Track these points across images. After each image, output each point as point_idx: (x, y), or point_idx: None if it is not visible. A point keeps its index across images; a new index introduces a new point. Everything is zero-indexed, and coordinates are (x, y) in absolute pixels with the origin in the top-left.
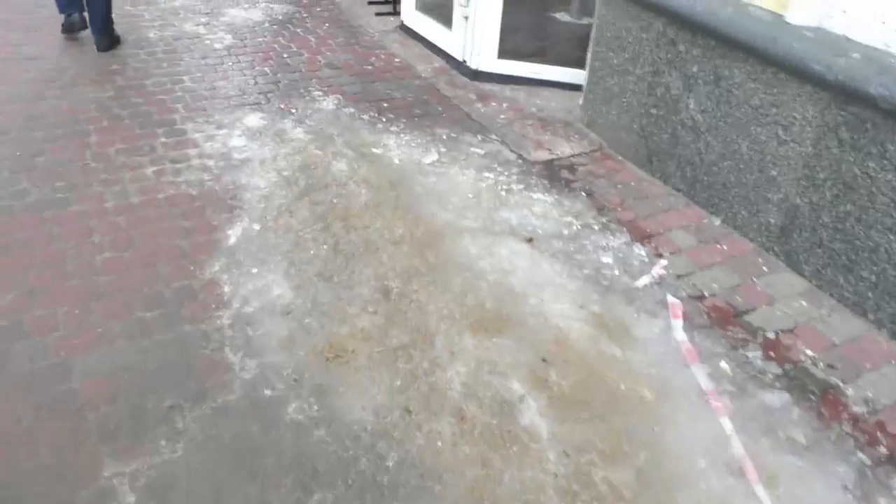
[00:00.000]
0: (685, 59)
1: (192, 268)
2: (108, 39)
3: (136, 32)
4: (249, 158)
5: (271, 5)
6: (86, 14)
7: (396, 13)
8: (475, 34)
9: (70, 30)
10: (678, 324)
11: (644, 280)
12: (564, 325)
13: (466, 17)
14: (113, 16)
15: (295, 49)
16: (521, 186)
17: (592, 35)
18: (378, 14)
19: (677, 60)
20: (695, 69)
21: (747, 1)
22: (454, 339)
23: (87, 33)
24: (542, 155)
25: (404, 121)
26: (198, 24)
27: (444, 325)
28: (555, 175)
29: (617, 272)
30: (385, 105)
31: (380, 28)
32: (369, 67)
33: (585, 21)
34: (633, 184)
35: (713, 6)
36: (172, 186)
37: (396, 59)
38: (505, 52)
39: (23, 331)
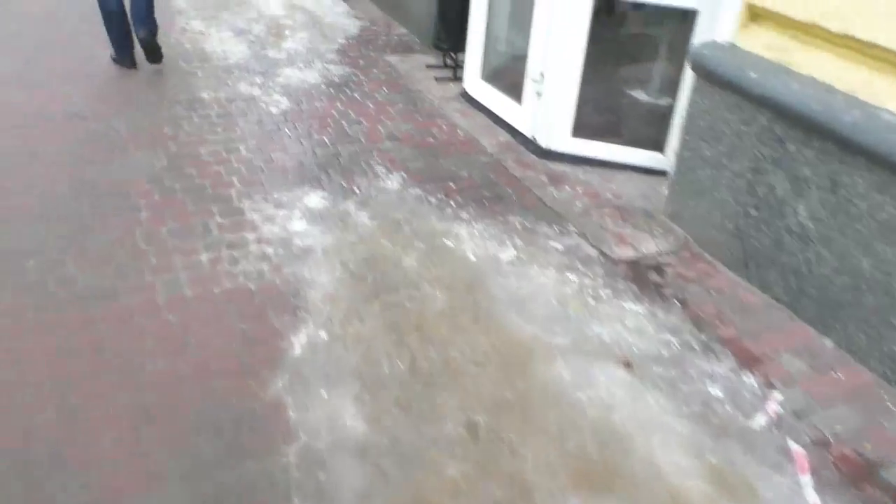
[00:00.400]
0: (795, 159)
1: (252, 384)
2: (154, 49)
3: (190, 92)
4: (312, 247)
5: (328, 66)
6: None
7: (457, 79)
8: (547, 111)
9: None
10: (807, 481)
11: (760, 419)
12: (679, 483)
13: (539, 93)
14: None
15: (354, 116)
16: (609, 292)
17: (681, 121)
18: (438, 79)
19: (785, 160)
20: (807, 172)
21: (878, 104)
22: (556, 496)
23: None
24: (626, 252)
25: (474, 205)
26: (253, 85)
27: (542, 476)
28: (642, 278)
29: (729, 408)
30: (452, 186)
31: (440, 94)
32: (432, 140)
33: (664, 101)
34: (728, 291)
35: (835, 107)
36: (229, 278)
37: (459, 131)
38: (578, 131)
39: (63, 460)
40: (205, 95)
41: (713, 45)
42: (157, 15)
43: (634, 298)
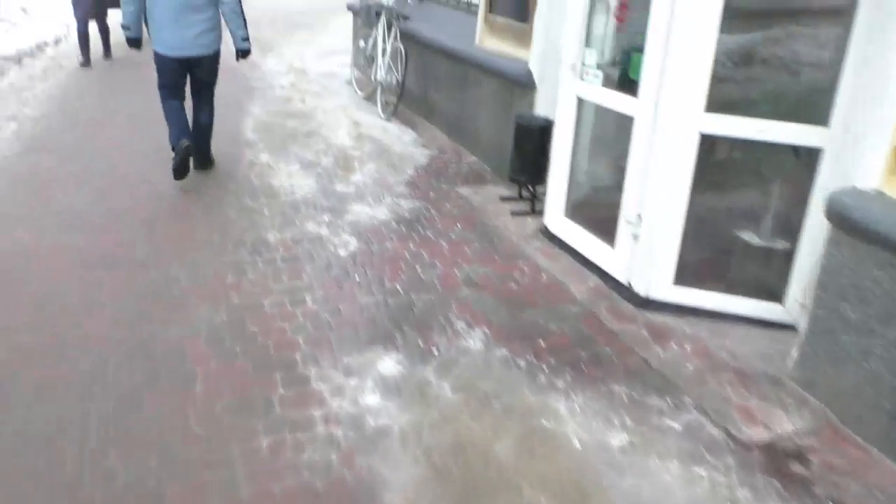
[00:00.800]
0: None
1: None
2: (206, 160)
3: (255, 232)
4: (387, 429)
5: (398, 200)
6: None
7: (535, 212)
8: (646, 255)
9: (184, 165)
10: None
11: None
12: None
13: (636, 236)
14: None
15: (427, 258)
16: (748, 494)
17: (813, 274)
18: (514, 213)
19: None
20: None
21: None
22: None
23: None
24: (758, 433)
25: (570, 370)
26: (320, 224)
27: None
28: (783, 469)
29: None
30: (542, 344)
31: (518, 231)
32: (514, 286)
33: (780, 246)
34: (894, 490)
35: None
36: (292, 472)
37: (543, 275)
38: (681, 278)
39: None
40: (270, 237)
41: (855, 192)
42: (228, 146)
43: (780, 501)
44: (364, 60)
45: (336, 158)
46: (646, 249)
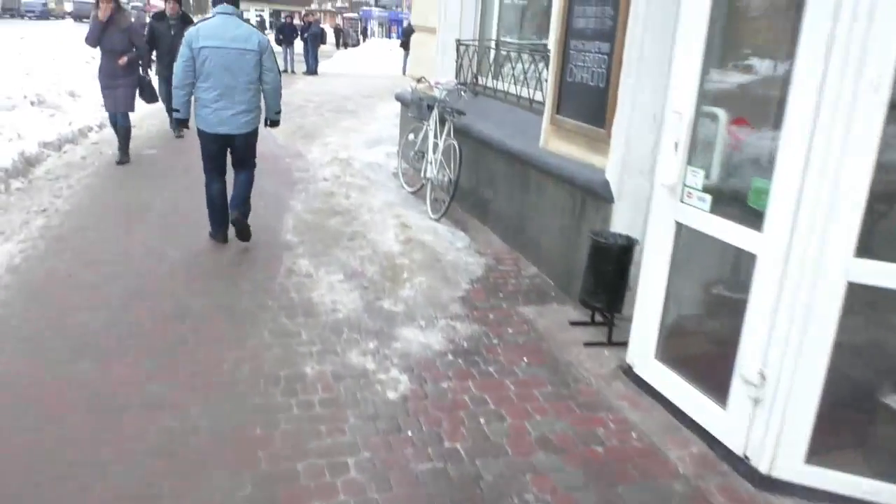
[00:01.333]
0: None
1: None
2: (245, 230)
3: (291, 363)
4: None
5: (453, 323)
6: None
7: (613, 343)
8: (770, 425)
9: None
10: None
11: None
12: None
13: (757, 400)
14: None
15: (492, 404)
16: None
17: None
18: (588, 344)
19: None
20: None
21: None
22: None
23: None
24: None
25: None
26: (365, 354)
27: None
28: None
29: None
30: None
31: (596, 369)
32: (599, 449)
33: None
34: None
35: None
36: None
37: (634, 434)
38: (816, 454)
39: None
40: (308, 370)
41: None
42: (265, 250)
43: None
44: (413, 155)
45: (383, 267)
46: (770, 417)
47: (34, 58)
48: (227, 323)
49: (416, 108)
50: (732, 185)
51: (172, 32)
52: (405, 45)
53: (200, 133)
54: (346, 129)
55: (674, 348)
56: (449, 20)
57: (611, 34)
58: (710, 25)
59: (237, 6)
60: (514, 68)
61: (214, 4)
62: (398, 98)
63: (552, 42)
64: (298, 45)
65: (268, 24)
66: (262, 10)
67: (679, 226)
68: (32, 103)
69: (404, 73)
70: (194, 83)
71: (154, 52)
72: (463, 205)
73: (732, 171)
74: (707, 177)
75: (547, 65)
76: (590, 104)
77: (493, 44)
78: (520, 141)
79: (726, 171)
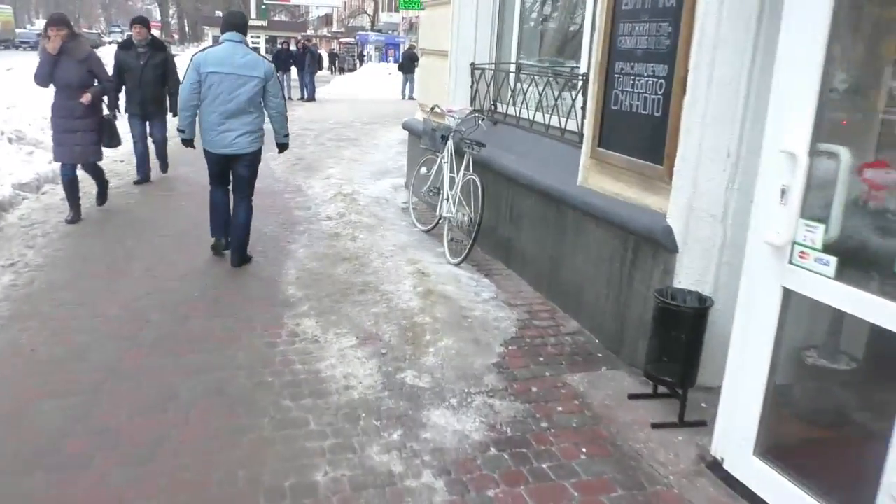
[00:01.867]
0: None
1: None
2: (242, 258)
3: (297, 467)
4: None
5: (491, 402)
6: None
7: (685, 424)
8: None
9: (217, 250)
10: None
11: None
12: None
13: None
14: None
15: None
16: None
17: None
18: (656, 426)
19: None
20: None
21: None
22: None
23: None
24: None
25: None
26: (389, 450)
27: None
28: None
29: None
30: None
31: (670, 460)
32: None
33: None
34: None
35: None
36: None
37: None
38: None
39: None
40: (318, 477)
41: None
42: (264, 308)
43: None
44: (427, 190)
45: (401, 327)
46: None
47: (19, 90)
48: (218, 410)
49: (428, 138)
50: (867, 245)
51: (142, 62)
52: (403, 69)
53: (207, 153)
54: (348, 160)
55: (778, 440)
56: (462, 43)
57: (669, 54)
58: (833, 30)
59: (245, 34)
60: (540, 94)
61: (223, 32)
62: (406, 127)
63: (592, 65)
64: (295, 70)
65: (263, 51)
66: (258, 37)
67: (787, 292)
68: (10, 140)
69: (403, 97)
70: (198, 105)
71: (123, 88)
72: (484, 245)
73: (866, 228)
74: (827, 232)
75: (577, 90)
76: (642, 136)
77: (512, 67)
78: (552, 176)
79: (857, 227)
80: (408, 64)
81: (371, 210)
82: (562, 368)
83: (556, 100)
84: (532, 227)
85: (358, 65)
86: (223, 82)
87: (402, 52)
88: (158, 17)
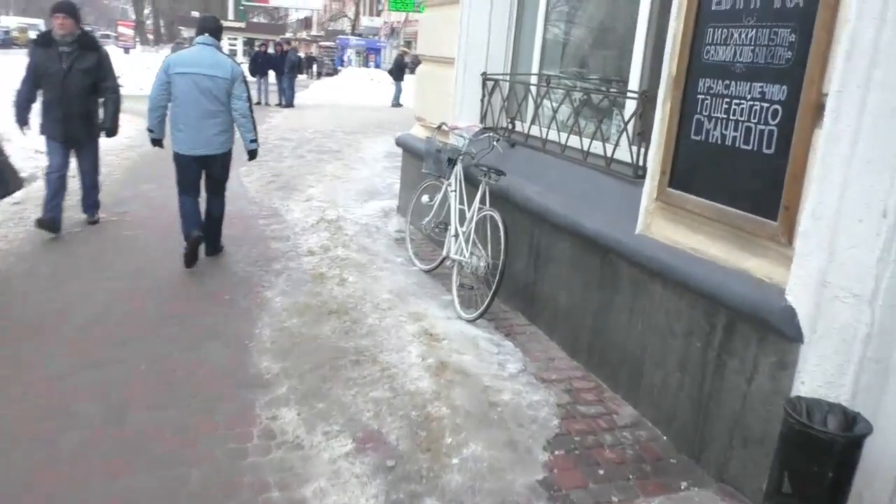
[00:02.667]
0: None
1: None
2: (216, 249)
3: None
4: None
5: None
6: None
7: None
8: None
9: (193, 254)
10: None
11: None
12: None
13: None
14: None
15: None
16: None
17: None
18: None
19: None
20: None
21: None
22: None
23: None
24: None
25: None
26: None
27: None
28: None
29: None
30: None
31: None
32: None
33: None
34: None
35: None
36: None
37: None
38: None
39: None
40: None
41: None
42: (231, 389)
43: None
44: (429, 224)
45: (411, 423)
46: None
47: None
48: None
49: (432, 161)
50: None
51: (65, 66)
52: (393, 75)
53: (176, 156)
54: (331, 176)
55: None
56: (471, 49)
57: (790, 71)
58: None
59: (218, 38)
60: (577, 113)
61: (197, 35)
62: (400, 144)
63: (663, 82)
64: (273, 74)
65: (240, 54)
66: (235, 39)
67: None
68: None
69: (394, 104)
70: (166, 106)
71: (39, 95)
72: (501, 290)
73: None
74: None
75: (631, 112)
76: (742, 178)
77: (533, 79)
78: (595, 217)
79: None
80: (397, 71)
81: (360, 242)
82: (632, 489)
83: (599, 122)
84: (565, 276)
85: (338, 69)
86: (191, 83)
87: (395, 58)
88: (133, 17)
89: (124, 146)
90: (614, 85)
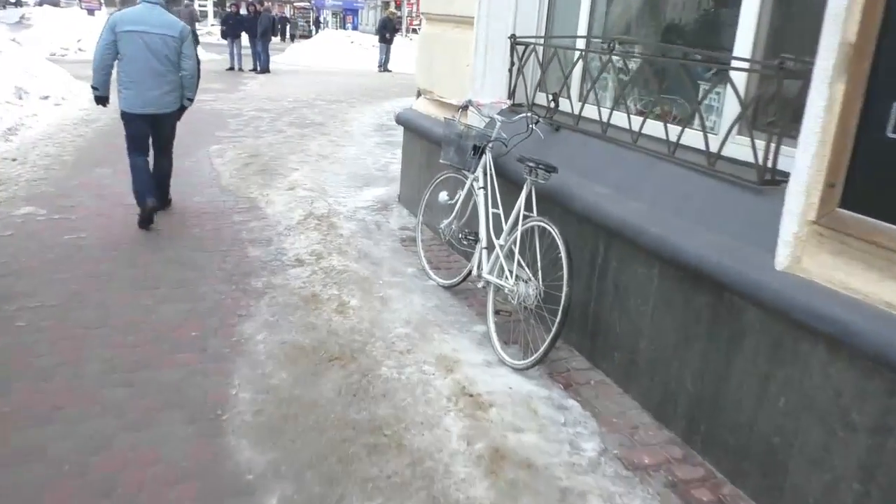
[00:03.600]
0: None
1: None
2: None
3: None
4: None
5: None
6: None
7: None
8: None
9: (148, 218)
10: None
11: None
12: None
13: None
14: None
15: None
16: None
17: None
18: None
19: None
20: None
21: None
22: None
23: None
24: None
25: None
26: None
27: None
28: None
29: None
30: None
31: None
32: None
33: None
34: None
35: None
36: None
37: None
38: None
39: None
40: None
41: None
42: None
43: None
44: (447, 228)
45: None
46: None
47: None
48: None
49: (453, 150)
50: None
51: None
52: (381, 38)
53: (125, 115)
54: (316, 156)
55: None
56: (495, 5)
57: None
58: None
59: None
60: (661, 90)
61: None
62: (401, 121)
63: (830, 49)
64: (247, 38)
65: (211, 15)
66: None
67: None
68: None
69: (380, 68)
70: (112, 65)
71: None
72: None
73: None
74: None
75: (722, 88)
76: None
77: (580, 42)
78: (702, 238)
79: None
80: (385, 33)
81: (358, 245)
82: None
83: (698, 102)
84: (650, 313)
85: (314, 31)
86: (140, 41)
87: (382, 18)
88: None
89: (79, 120)
90: (699, 53)
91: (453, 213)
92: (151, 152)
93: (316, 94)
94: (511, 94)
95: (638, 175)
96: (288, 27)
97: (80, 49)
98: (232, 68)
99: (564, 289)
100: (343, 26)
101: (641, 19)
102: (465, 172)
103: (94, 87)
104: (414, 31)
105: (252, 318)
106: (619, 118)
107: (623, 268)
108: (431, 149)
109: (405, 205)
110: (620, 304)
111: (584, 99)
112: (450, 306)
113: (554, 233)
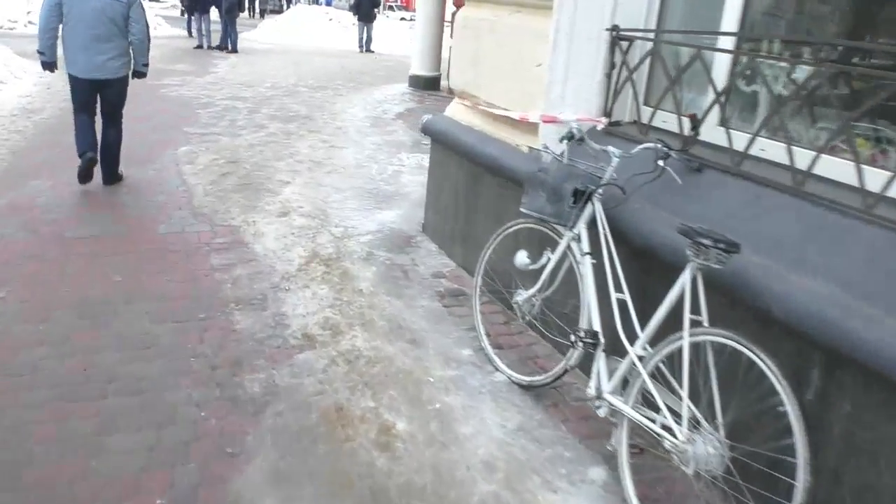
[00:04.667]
0: None
1: None
2: (114, 176)
3: None
4: None
5: None
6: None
7: None
8: None
9: (87, 172)
10: None
11: None
12: None
13: None
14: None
15: None
16: None
17: None
18: None
19: None
20: None
21: None
22: None
23: None
24: None
25: None
26: None
27: None
28: None
29: None
30: None
31: None
32: None
33: None
34: None
35: None
36: None
37: None
38: None
39: None
40: None
41: None
42: None
43: None
44: (529, 302)
45: None
46: None
47: None
48: None
49: (545, 195)
50: None
51: None
52: (361, 16)
53: (72, 78)
54: (308, 162)
55: None
56: None
57: None
58: None
59: None
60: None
61: None
62: (430, 131)
63: None
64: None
65: None
66: None
67: None
68: None
69: (361, 48)
70: (58, 28)
71: None
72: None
73: None
74: None
75: None
76: None
77: (726, 41)
78: None
79: None
80: (367, 10)
81: (386, 308)
82: None
83: None
84: None
85: (284, 6)
86: (86, 6)
87: None
88: None
89: (18, 110)
90: None
91: (539, 283)
92: (100, 120)
93: (296, 79)
94: (607, 110)
95: (871, 260)
96: (257, 1)
97: (29, 22)
98: (200, 46)
99: (801, 479)
100: (316, 1)
101: (823, 10)
102: (557, 226)
103: (39, 52)
104: (391, 8)
105: (251, 461)
106: (805, 156)
107: (866, 418)
108: (475, 172)
109: (433, 237)
110: (860, 476)
111: (756, 129)
112: (539, 426)
113: (768, 370)
